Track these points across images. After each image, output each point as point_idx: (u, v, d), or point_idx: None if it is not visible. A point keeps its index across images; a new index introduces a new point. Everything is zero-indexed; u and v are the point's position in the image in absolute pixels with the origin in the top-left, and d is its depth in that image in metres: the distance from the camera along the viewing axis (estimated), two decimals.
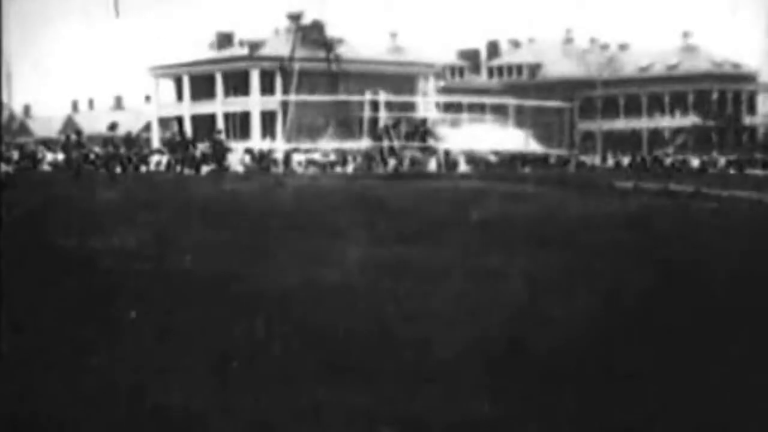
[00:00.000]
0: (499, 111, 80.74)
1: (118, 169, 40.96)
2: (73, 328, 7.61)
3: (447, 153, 63.93)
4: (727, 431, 5.67)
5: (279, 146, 73.87)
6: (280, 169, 60.86)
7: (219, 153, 40.90)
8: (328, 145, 72.07)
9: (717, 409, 5.89)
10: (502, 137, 70.98)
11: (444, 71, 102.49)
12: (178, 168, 54.23)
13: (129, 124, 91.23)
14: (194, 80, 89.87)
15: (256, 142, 79.38)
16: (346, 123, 78.47)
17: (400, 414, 5.65)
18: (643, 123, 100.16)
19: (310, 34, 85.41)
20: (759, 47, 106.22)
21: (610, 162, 79.57)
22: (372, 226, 16.64)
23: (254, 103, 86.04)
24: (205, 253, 12.30)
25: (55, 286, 9.63)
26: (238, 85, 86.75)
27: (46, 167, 56.34)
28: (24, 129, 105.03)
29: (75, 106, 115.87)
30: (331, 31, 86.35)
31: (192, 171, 51.45)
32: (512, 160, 67.11)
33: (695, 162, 72.03)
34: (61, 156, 53.74)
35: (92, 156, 50.78)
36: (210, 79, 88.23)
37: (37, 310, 8.25)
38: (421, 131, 62.32)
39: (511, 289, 9.85)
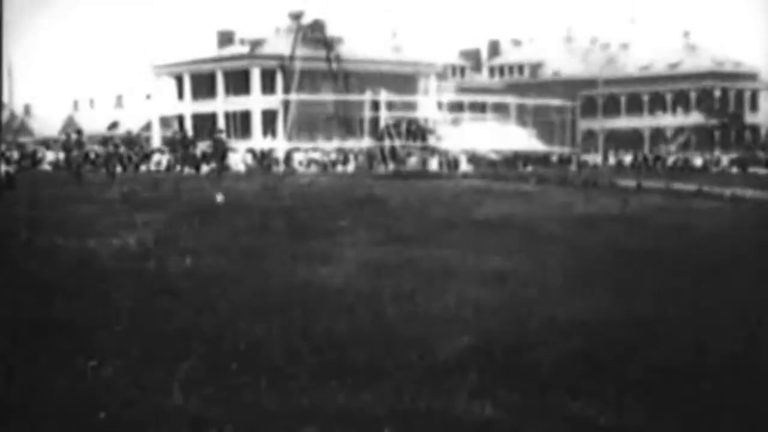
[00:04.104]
0: (501, 110, 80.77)
1: (119, 169, 40.90)
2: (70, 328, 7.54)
3: (446, 153, 63.96)
4: None
5: (280, 145, 73.91)
6: (281, 168, 60.88)
7: (220, 152, 40.84)
8: (329, 145, 72.13)
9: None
10: (504, 136, 70.98)
11: (445, 70, 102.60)
12: (179, 167, 54.21)
13: (130, 123, 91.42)
14: (195, 79, 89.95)
15: (257, 141, 79.45)
16: (347, 122, 78.51)
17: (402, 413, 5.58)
18: (644, 122, 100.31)
19: (311, 33, 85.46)
20: (761, 46, 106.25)
21: (612, 161, 79.62)
22: (374, 225, 16.59)
23: (255, 102, 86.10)
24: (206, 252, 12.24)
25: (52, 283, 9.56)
26: (238, 83, 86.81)
27: (46, 167, 56.36)
28: (24, 128, 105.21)
29: (76, 105, 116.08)
30: (332, 30, 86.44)
31: (192, 170, 51.43)
32: (514, 159, 67.11)
33: (698, 161, 72.05)
34: (61, 155, 53.72)
35: (92, 155, 50.75)
36: (211, 78, 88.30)
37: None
38: (414, 129, 62.27)
39: (513, 290, 9.78)
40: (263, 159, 63.02)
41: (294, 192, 27.70)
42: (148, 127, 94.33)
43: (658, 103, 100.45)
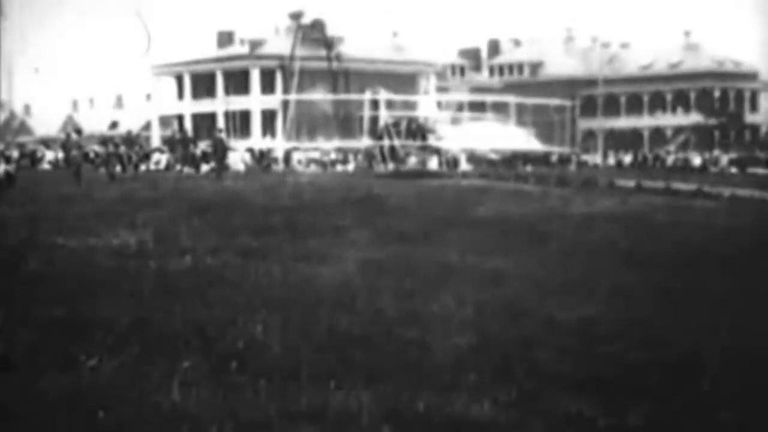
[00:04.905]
0: (500, 109, 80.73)
1: (118, 168, 40.88)
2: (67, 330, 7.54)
3: (445, 152, 63.94)
4: None
5: (279, 145, 73.98)
6: (281, 167, 60.92)
7: (219, 152, 40.83)
8: (328, 144, 72.15)
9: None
10: (503, 136, 70.97)
11: (445, 70, 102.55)
12: (178, 167, 54.23)
13: (129, 122, 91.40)
14: (195, 79, 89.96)
15: (257, 140, 79.48)
16: (347, 122, 78.47)
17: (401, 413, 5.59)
18: (644, 121, 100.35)
19: (311, 33, 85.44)
20: (760, 45, 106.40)
21: (612, 160, 79.67)
22: (373, 225, 16.59)
23: (255, 101, 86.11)
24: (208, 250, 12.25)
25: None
26: (238, 83, 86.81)
27: (46, 166, 56.40)
28: (24, 128, 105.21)
29: (75, 105, 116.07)
30: (332, 30, 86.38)
31: (192, 170, 51.46)
32: (513, 159, 67.12)
33: (697, 160, 72.07)
34: (61, 155, 53.77)
35: (92, 155, 50.75)
36: (211, 78, 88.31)
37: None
38: (413, 129, 62.31)
39: (512, 289, 9.79)
40: (262, 158, 63.05)
41: (293, 191, 27.72)
42: (148, 126, 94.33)
43: (658, 103, 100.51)
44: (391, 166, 57.58)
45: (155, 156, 59.75)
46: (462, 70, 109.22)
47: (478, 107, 79.72)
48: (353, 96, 78.41)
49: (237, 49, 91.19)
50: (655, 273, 11.09)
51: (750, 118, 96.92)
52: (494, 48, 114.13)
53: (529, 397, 5.89)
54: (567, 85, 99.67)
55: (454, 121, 74.45)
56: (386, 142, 61.57)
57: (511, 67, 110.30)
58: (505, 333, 7.59)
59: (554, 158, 73.35)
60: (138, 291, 9.27)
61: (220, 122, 79.10)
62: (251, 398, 5.82)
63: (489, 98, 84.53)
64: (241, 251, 12.56)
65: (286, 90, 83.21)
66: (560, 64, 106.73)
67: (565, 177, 40.48)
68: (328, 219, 17.50)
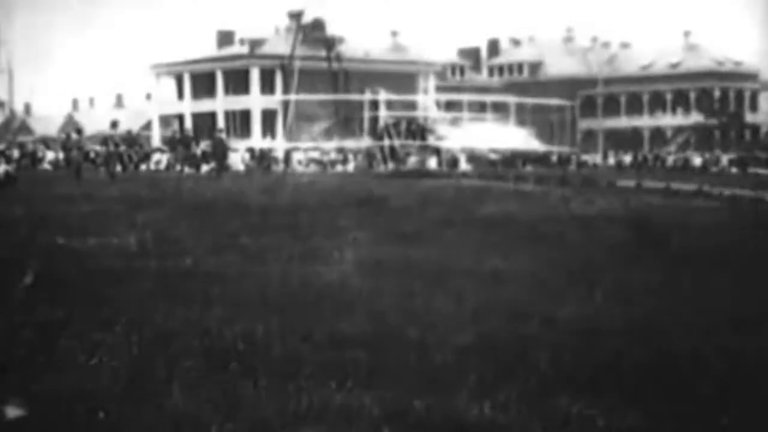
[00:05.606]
0: (500, 109, 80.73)
1: (118, 168, 40.87)
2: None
3: (445, 152, 64.00)
4: None
5: (279, 145, 74.02)
6: (281, 167, 60.97)
7: (220, 152, 40.88)
8: (328, 144, 72.18)
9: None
10: (503, 135, 71.01)
11: (444, 70, 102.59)
12: (178, 167, 54.24)
13: (130, 122, 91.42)
14: (195, 78, 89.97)
15: (257, 140, 79.52)
16: (347, 122, 78.48)
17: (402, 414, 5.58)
18: (644, 121, 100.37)
19: (311, 33, 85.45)
20: (760, 46, 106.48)
21: (612, 160, 79.71)
22: (373, 225, 16.59)
23: (255, 101, 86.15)
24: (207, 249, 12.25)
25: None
26: (238, 83, 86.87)
27: (46, 166, 56.44)
28: (25, 127, 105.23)
29: (75, 105, 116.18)
30: (332, 30, 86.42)
31: (192, 170, 51.48)
32: (513, 159, 67.17)
33: (697, 160, 72.12)
34: (61, 154, 53.82)
35: (92, 154, 50.75)
36: (211, 77, 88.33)
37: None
38: (413, 129, 62.35)
39: (512, 289, 9.79)
40: (262, 159, 63.09)
41: (293, 191, 27.73)
42: (148, 126, 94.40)
43: (658, 103, 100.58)
44: (391, 166, 57.63)
45: (156, 156, 59.83)
46: (462, 70, 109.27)
47: (477, 107, 79.80)
48: (353, 96, 78.42)
49: (237, 48, 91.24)
50: (655, 273, 11.08)
51: (750, 118, 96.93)
52: (494, 48, 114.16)
53: (529, 397, 5.89)
54: (567, 85, 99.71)
55: (454, 122, 74.47)
56: (386, 142, 61.61)
57: (510, 67, 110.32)
58: (505, 333, 7.59)
59: (554, 158, 73.40)
60: (138, 291, 9.27)
61: (221, 122, 79.18)
62: (251, 398, 5.81)
63: (489, 98, 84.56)
64: (242, 251, 12.56)
65: (286, 90, 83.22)
66: (560, 64, 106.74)
67: (565, 177, 40.48)
68: (328, 219, 17.51)
